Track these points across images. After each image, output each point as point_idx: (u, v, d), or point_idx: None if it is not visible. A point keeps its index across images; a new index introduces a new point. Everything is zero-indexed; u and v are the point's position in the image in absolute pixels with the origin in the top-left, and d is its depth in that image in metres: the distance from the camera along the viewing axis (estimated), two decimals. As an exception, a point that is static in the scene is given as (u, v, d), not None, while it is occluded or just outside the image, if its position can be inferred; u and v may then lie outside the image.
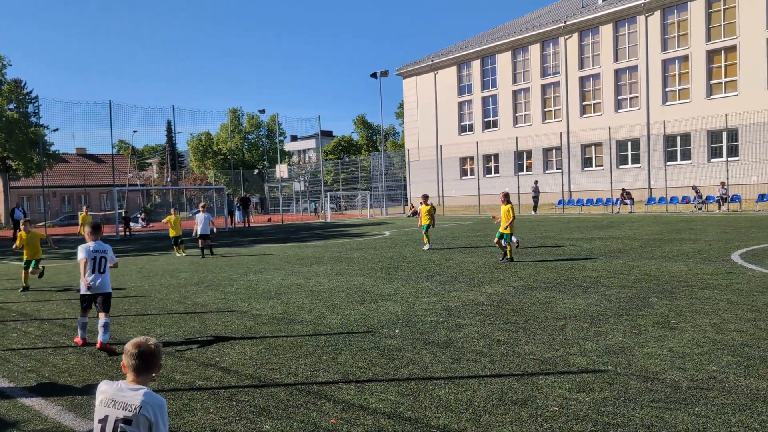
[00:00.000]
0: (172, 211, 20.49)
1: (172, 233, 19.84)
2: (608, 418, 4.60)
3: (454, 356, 6.44)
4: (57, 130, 53.30)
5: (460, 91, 54.83)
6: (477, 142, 47.22)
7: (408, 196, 56.28)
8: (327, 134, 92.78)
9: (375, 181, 57.26)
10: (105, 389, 3.22)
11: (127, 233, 34.12)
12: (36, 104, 50.61)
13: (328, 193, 50.29)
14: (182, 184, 68.19)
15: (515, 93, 50.78)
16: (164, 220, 19.95)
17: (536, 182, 41.05)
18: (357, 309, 9.29)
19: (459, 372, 5.90)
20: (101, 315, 7.41)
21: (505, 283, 11.18)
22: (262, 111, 58.15)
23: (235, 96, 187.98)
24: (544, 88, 48.76)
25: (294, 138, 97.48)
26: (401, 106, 74.91)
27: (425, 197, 19.72)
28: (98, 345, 7.24)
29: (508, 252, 14.42)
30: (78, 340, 7.68)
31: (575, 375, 5.66)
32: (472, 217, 38.29)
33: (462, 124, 54.82)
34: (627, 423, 4.50)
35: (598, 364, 5.96)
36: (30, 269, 12.93)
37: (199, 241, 19.03)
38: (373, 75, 50.86)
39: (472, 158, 51.83)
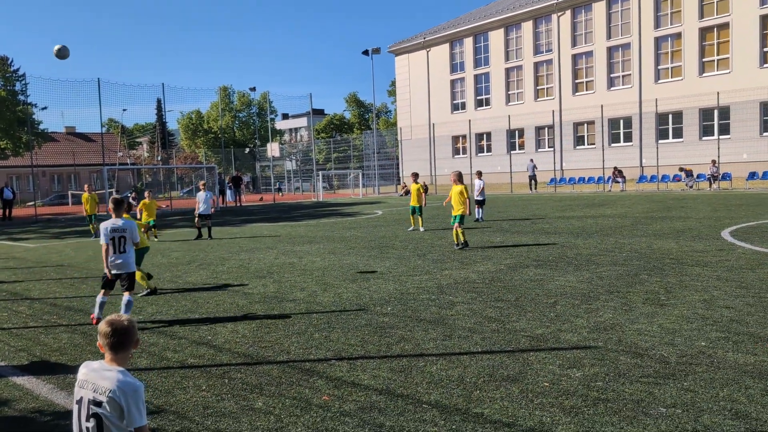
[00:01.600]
0: (146, 194, 17.98)
1: (145, 218, 17.22)
2: (598, 393, 4.64)
3: (446, 333, 6.47)
4: (45, 108, 52.75)
5: (453, 68, 54.51)
6: (469, 121, 47.07)
7: (400, 174, 56.18)
8: (319, 112, 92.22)
9: (367, 160, 57.11)
10: (83, 370, 3.21)
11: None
12: (23, 82, 49.90)
13: (320, 172, 50.13)
14: (173, 163, 67.77)
15: (508, 71, 50.54)
16: (138, 206, 17.80)
17: (532, 160, 41.01)
18: (349, 287, 9.30)
19: (450, 349, 5.93)
20: (125, 293, 7.47)
21: (497, 261, 11.21)
22: (253, 89, 57.74)
23: (225, 74, 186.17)
24: (536, 65, 48.54)
25: (285, 116, 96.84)
26: (393, 84, 74.47)
27: (415, 175, 18.86)
28: (94, 319, 7.33)
29: (461, 236, 13.10)
30: (93, 318, 7.58)
31: (566, 351, 5.71)
32: (464, 196, 38.26)
33: (454, 102, 54.60)
34: (617, 398, 4.55)
35: (588, 341, 6.00)
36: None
37: (197, 220, 17.94)
38: (365, 52, 50.45)
39: (464, 137, 51.71)
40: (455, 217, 13.20)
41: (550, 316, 7.01)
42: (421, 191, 17.89)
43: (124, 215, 7.63)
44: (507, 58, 50.48)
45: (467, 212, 13.26)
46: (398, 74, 59.67)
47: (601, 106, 39.84)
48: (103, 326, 3.19)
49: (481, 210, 19.90)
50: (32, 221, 30.94)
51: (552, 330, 6.44)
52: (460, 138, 53.18)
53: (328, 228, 19.74)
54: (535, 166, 39.72)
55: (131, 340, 3.22)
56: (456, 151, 54.16)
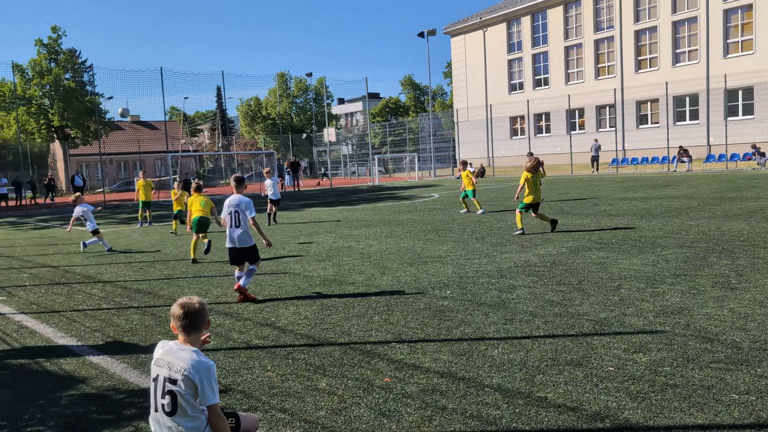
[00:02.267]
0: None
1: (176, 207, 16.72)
2: (666, 379, 4.53)
3: (507, 317, 6.42)
4: (111, 98, 54.56)
5: (510, 48, 53.53)
6: (528, 101, 46.20)
7: (457, 157, 55.73)
8: (374, 96, 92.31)
9: (423, 143, 56.84)
10: (159, 349, 3.34)
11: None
12: (91, 73, 51.73)
13: (376, 156, 50.23)
14: (233, 150, 69.19)
15: (567, 49, 49.28)
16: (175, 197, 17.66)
17: (596, 140, 39.97)
18: (407, 271, 9.33)
19: (512, 332, 5.89)
20: (250, 264, 8.00)
21: (558, 244, 11.03)
22: (309, 74, 58.14)
23: (282, 60, 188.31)
24: (597, 43, 47.15)
25: (341, 101, 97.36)
26: (449, 65, 73.81)
27: (464, 163, 19.26)
28: (235, 286, 7.85)
29: (519, 222, 12.71)
30: (236, 285, 7.93)
31: (631, 335, 5.58)
32: (522, 178, 37.68)
33: (512, 82, 53.66)
34: (686, 383, 4.43)
35: (654, 325, 5.85)
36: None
37: (270, 206, 17.90)
38: (421, 34, 50.01)
39: (522, 117, 50.84)
40: (522, 203, 12.75)
41: (614, 300, 6.86)
42: (470, 176, 18.17)
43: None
44: (566, 36, 49.21)
45: (537, 200, 12.65)
46: (454, 55, 59.02)
47: (666, 83, 38.40)
48: (175, 309, 3.31)
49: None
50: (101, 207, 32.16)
51: (616, 314, 6.31)
52: (518, 119, 52.31)
53: (384, 212, 19.81)
54: (599, 147, 38.72)
55: (203, 321, 3.33)
56: (514, 132, 53.33)
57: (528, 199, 12.68)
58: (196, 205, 11.50)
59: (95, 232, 13.79)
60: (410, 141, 59.91)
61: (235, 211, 7.81)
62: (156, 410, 3.31)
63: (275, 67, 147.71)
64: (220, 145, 73.04)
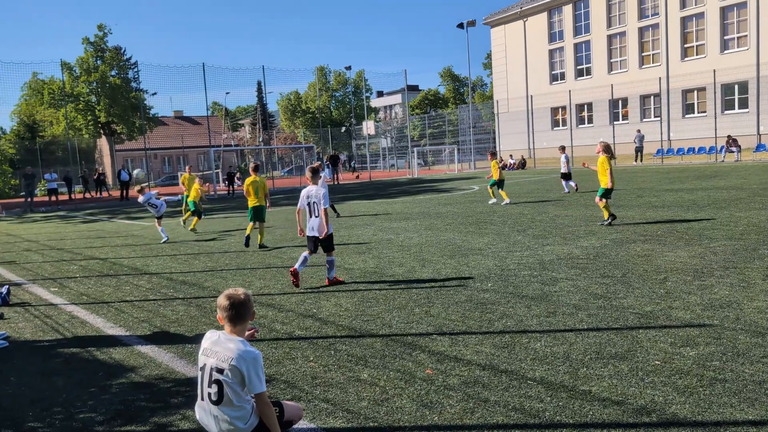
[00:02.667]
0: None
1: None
2: (715, 373, 4.42)
3: (550, 310, 6.36)
4: (155, 94, 55.84)
5: (551, 38, 52.71)
6: (569, 91, 45.45)
7: (497, 149, 55.22)
8: (413, 89, 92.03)
9: (462, 135, 56.48)
10: (207, 340, 3.42)
11: (231, 191, 35.53)
12: (135, 70, 53.00)
13: (415, 149, 50.13)
14: (273, 144, 69.90)
15: (610, 38, 48.27)
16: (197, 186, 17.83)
17: (639, 131, 39.13)
18: (448, 263, 9.30)
19: (555, 325, 5.83)
20: (326, 254, 8.31)
21: (601, 237, 10.85)
22: (348, 68, 58.30)
23: (322, 54, 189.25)
24: (641, 31, 46.05)
25: (380, 94, 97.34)
26: (489, 56, 73.06)
27: (493, 154, 19.37)
28: (327, 282, 8.22)
29: (605, 210, 12.28)
30: (293, 268, 8.24)
31: (678, 329, 5.46)
32: (563, 170, 37.12)
33: (553, 72, 52.86)
34: (735, 378, 4.32)
35: (702, 318, 5.71)
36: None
37: None
38: (460, 25, 49.62)
39: (564, 108, 50.06)
40: (599, 189, 12.27)
41: (659, 293, 6.72)
42: (496, 166, 18.40)
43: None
44: (609, 25, 48.20)
45: (610, 185, 12.08)
46: (494, 46, 58.42)
47: (714, 71, 37.30)
48: (222, 300, 3.38)
49: (565, 183, 20.73)
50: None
51: (662, 307, 6.18)
52: (560, 109, 51.54)
53: (424, 204, 19.78)
54: (642, 137, 37.88)
55: (248, 312, 3.40)
56: (555, 123, 52.57)
57: (606, 184, 12.09)
58: (252, 192, 12.21)
59: (159, 219, 14.53)
60: (449, 133, 59.60)
61: (314, 202, 8.17)
62: (202, 399, 3.39)
63: (315, 61, 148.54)
64: (260, 140, 73.87)
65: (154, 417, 4.33)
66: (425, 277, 8.42)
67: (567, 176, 20.60)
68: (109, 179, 54.86)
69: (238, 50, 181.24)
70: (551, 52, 52.82)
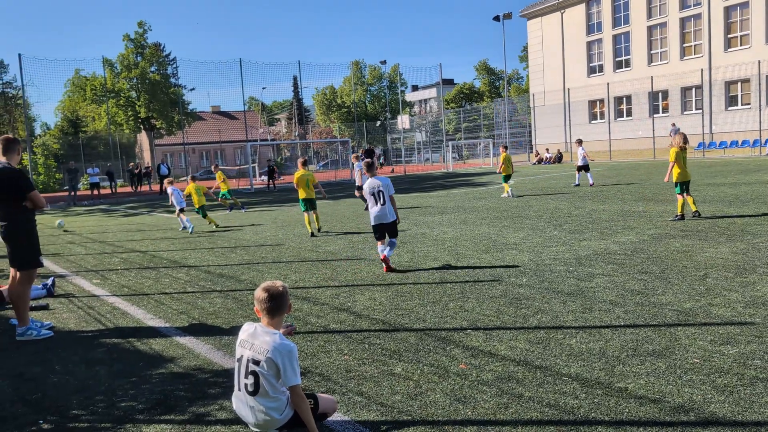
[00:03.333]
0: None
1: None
2: (756, 372, 4.33)
3: (585, 306, 6.29)
4: (194, 89, 56.56)
5: (589, 30, 51.84)
6: (608, 84, 44.70)
7: (533, 142, 54.63)
8: (448, 82, 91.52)
9: (498, 129, 56.04)
10: (244, 331, 3.49)
11: (272, 185, 35.86)
12: (174, 65, 53.86)
13: (450, 142, 49.91)
14: (309, 138, 70.34)
15: (650, 29, 47.25)
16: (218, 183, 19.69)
17: (674, 124, 38.33)
18: (482, 258, 9.26)
19: (591, 321, 5.77)
20: (390, 237, 8.89)
21: (639, 232, 10.67)
22: (384, 62, 58.27)
23: (357, 48, 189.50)
24: (683, 21, 44.97)
25: (415, 88, 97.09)
26: (525, 49, 72.23)
27: (505, 147, 20.26)
28: (382, 257, 8.68)
29: (692, 205, 11.91)
30: (383, 257, 8.72)
31: (718, 327, 5.36)
32: (602, 164, 36.61)
33: (591, 65, 52.00)
34: (778, 378, 4.22)
35: (744, 316, 5.59)
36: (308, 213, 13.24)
37: (357, 192, 18.39)
38: (496, 18, 49.20)
39: (602, 101, 49.23)
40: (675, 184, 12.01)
41: (699, 290, 6.59)
42: (501, 160, 19.43)
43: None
44: (649, 15, 47.19)
45: (687, 177, 11.81)
46: (530, 38, 57.73)
47: (758, 62, 36.27)
48: (259, 293, 3.45)
49: (578, 175, 21.81)
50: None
51: (702, 304, 6.06)
52: (598, 102, 50.69)
53: (458, 198, 19.70)
54: (677, 131, 37.11)
55: (285, 304, 3.46)
56: (593, 117, 51.74)
57: (680, 177, 11.80)
58: (302, 185, 13.10)
59: (181, 211, 15.39)
60: (485, 127, 59.19)
61: (379, 191, 8.75)
62: (239, 389, 3.46)
63: (350, 56, 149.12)
64: (296, 134, 74.42)
65: (192, 407, 4.43)
66: (459, 271, 8.40)
67: (583, 168, 21.49)
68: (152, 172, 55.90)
69: (274, 45, 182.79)
70: (589, 44, 51.97)
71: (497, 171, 19.70)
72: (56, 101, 72.61)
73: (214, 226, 15.83)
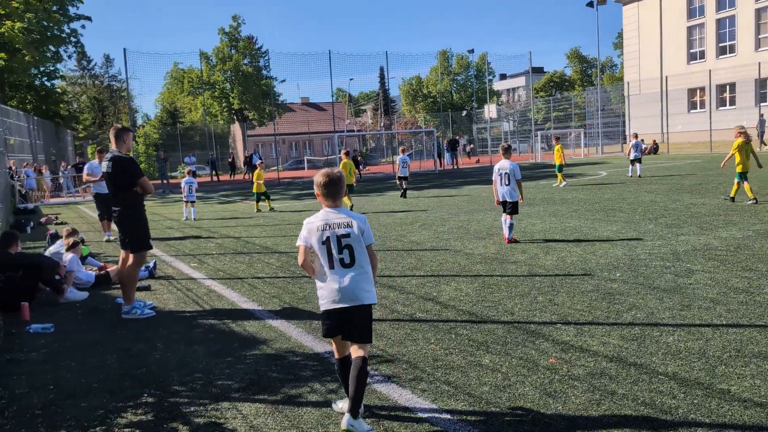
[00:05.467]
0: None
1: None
2: None
3: (684, 303, 6.02)
4: (284, 81, 57.92)
5: (690, 14, 49.17)
6: (709, 71, 42.28)
7: (627, 133, 52.50)
8: (537, 71, 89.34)
9: (590, 118, 54.21)
10: (314, 221, 3.87)
11: (357, 175, 36.46)
12: (266, 58, 55.31)
13: (539, 132, 48.80)
14: (394, 129, 70.63)
15: (758, 12, 44.28)
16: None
17: (762, 115, 35.97)
18: (573, 251, 9.03)
19: (689, 319, 5.51)
20: (508, 217, 9.99)
21: (743, 227, 10.08)
22: (471, 51, 57.70)
23: (445, 37, 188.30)
24: (796, 2, 41.88)
25: (503, 76, 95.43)
26: (620, 35, 69.43)
27: (557, 138, 22.23)
28: (506, 241, 9.95)
29: (749, 193, 13.03)
30: (506, 239, 10.05)
31: (833, 330, 4.99)
32: (701, 155, 34.76)
33: (691, 51, 49.36)
34: None
35: None
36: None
37: (398, 180, 20.58)
38: (590, 4, 47.55)
39: (702, 89, 46.65)
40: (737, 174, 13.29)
41: (811, 290, 6.16)
42: (561, 151, 20.74)
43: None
44: (758, -3, 44.19)
45: (745, 168, 13.20)
46: (626, 24, 55.42)
47: None
48: (319, 178, 3.91)
49: (632, 167, 22.18)
50: (275, 184, 34.47)
51: (815, 305, 5.67)
52: (698, 91, 48.09)
53: (547, 190, 19.25)
54: (765, 122, 34.88)
55: (343, 187, 3.95)
56: (692, 106, 49.16)
57: (742, 168, 13.15)
58: (345, 172, 15.06)
59: (192, 203, 17.12)
60: (576, 116, 57.44)
61: (506, 173, 9.91)
62: (332, 267, 3.81)
63: (437, 45, 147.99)
64: (382, 125, 74.89)
65: (285, 388, 4.57)
66: (549, 264, 8.23)
67: (637, 161, 21.84)
68: (241, 163, 57.87)
69: (361, 36, 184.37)
70: (689, 29, 49.32)
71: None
72: (156, 93, 76.28)
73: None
